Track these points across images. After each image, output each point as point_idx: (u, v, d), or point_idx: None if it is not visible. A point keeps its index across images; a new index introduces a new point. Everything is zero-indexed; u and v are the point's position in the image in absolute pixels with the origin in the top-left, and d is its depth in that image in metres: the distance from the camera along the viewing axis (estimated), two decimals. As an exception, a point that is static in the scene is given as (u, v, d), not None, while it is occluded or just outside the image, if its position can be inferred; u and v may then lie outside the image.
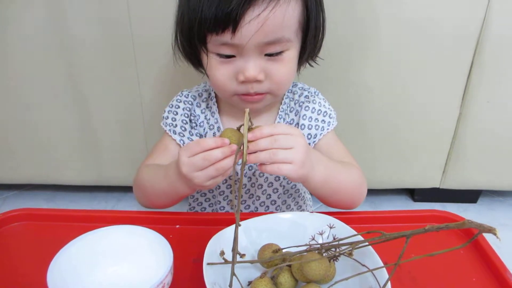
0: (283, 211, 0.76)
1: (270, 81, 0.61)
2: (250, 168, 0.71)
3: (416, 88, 1.04)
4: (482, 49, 0.98)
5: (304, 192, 0.79)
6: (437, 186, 1.21)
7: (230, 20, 0.54)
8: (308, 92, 0.73)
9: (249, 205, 0.75)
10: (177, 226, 0.61)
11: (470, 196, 1.30)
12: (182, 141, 0.69)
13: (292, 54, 0.61)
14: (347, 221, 0.56)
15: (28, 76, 1.07)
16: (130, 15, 0.97)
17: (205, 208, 0.78)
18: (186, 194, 0.60)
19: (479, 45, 0.97)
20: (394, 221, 0.64)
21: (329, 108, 0.72)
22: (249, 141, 0.51)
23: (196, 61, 0.65)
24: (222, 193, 0.74)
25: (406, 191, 1.36)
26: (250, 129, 0.52)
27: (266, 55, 0.59)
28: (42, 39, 1.02)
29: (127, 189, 1.34)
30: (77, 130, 1.15)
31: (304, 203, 0.80)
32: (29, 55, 1.04)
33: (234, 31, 0.55)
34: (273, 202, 0.75)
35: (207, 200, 0.77)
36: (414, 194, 1.31)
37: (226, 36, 0.56)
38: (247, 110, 0.50)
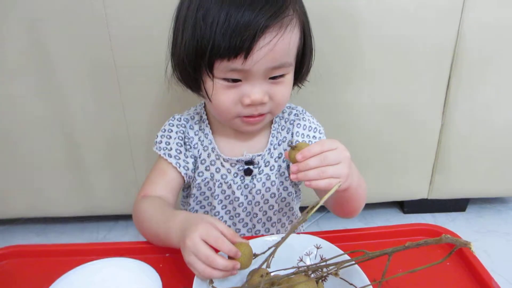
0: (278, 229, 0.78)
1: (272, 102, 0.64)
2: (246, 186, 0.72)
3: (398, 103, 1.07)
4: (458, 62, 1.01)
5: (296, 210, 0.81)
6: (425, 197, 1.23)
7: (243, 48, 0.56)
8: (296, 110, 0.76)
9: (247, 223, 0.76)
10: (167, 254, 0.61)
11: (458, 205, 1.32)
12: (178, 164, 0.69)
13: (291, 76, 0.65)
14: (333, 240, 0.57)
15: (14, 110, 1.07)
16: (111, 42, 0.98)
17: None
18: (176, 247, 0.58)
19: (455, 57, 1.01)
20: (380, 237, 0.65)
21: (318, 124, 0.75)
22: (297, 161, 0.52)
23: (197, 86, 0.66)
24: (221, 218, 0.75)
25: (396, 204, 1.38)
26: (294, 147, 0.53)
27: (270, 78, 0.62)
28: (24, 71, 1.02)
29: (118, 217, 1.34)
30: (64, 161, 1.15)
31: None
32: (13, 92, 1.04)
33: (246, 57, 0.57)
34: (269, 219, 0.76)
35: None
36: (404, 206, 1.33)
37: (237, 62, 0.58)
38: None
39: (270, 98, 0.63)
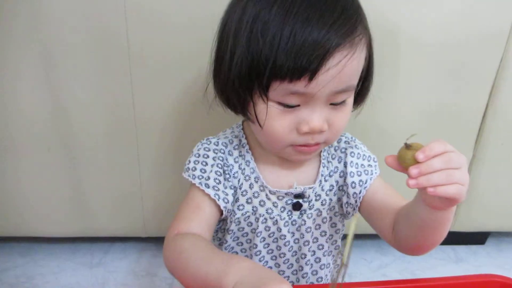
0: (324, 270, 0.70)
1: (330, 131, 0.56)
2: (294, 222, 0.64)
3: (429, 133, 1.00)
4: (497, 92, 0.96)
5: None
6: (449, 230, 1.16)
7: (309, 68, 0.49)
8: (346, 137, 0.68)
9: (292, 264, 0.67)
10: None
11: (478, 237, 1.26)
12: (217, 196, 0.59)
13: (351, 101, 0.58)
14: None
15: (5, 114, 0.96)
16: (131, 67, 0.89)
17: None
18: None
19: (494, 88, 0.95)
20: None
21: (370, 152, 0.68)
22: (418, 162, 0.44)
23: (243, 108, 0.57)
24: (262, 258, 0.66)
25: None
26: (410, 146, 0.45)
27: (331, 104, 0.54)
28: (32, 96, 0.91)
29: (114, 239, 1.23)
30: (58, 176, 1.03)
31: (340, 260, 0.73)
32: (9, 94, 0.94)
33: (311, 79, 0.50)
34: (317, 260, 0.68)
35: None
36: (423, 238, 1.26)
37: (300, 85, 0.50)
38: None
39: (329, 126, 0.55)
